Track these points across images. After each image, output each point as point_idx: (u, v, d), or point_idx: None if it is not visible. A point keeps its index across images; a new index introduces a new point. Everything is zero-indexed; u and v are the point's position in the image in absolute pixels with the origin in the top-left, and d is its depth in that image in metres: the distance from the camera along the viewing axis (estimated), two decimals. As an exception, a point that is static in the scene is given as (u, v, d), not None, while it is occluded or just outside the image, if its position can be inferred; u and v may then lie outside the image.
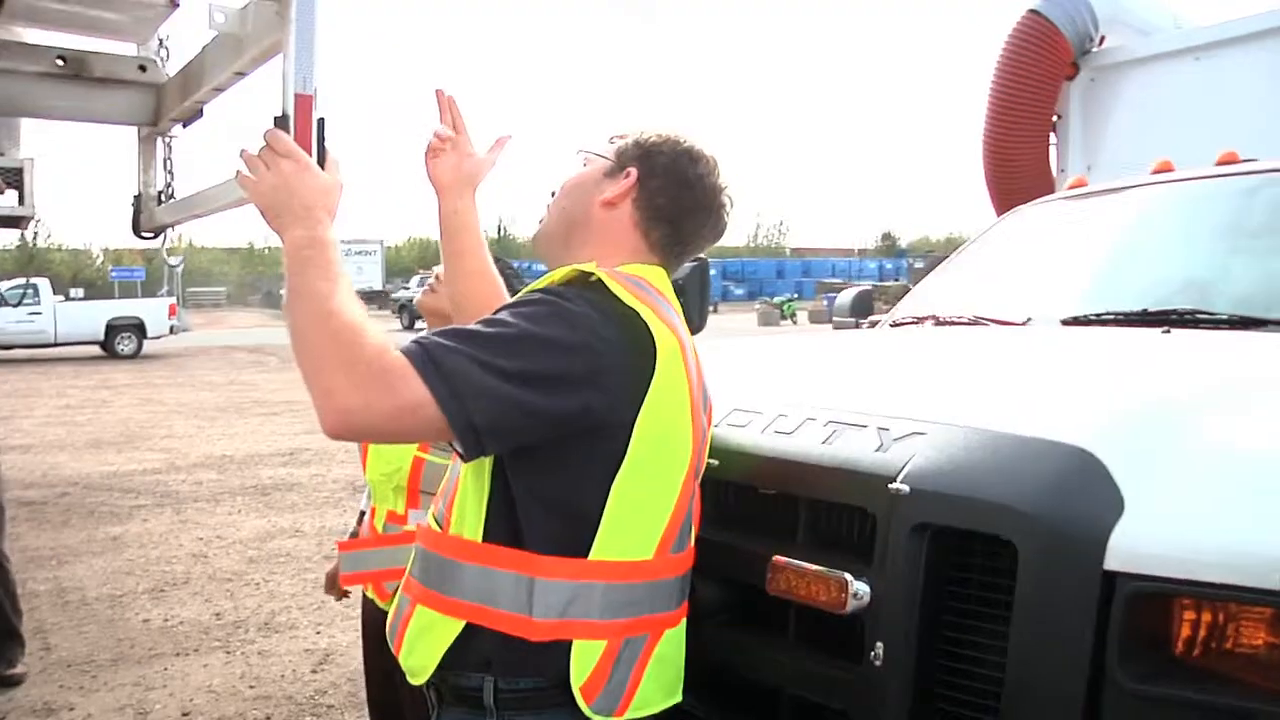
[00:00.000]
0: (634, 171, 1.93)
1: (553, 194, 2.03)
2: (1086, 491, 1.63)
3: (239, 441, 13.06)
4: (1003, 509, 1.67)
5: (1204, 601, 1.53)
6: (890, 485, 1.80)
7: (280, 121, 1.85)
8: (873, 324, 4.27)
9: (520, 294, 1.80)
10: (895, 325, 3.77)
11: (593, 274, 1.78)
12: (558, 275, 1.81)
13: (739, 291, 60.30)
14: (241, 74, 2.50)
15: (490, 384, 1.60)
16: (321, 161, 1.86)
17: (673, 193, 1.92)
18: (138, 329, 27.79)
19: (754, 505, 2.13)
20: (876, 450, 1.90)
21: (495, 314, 1.72)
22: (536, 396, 1.62)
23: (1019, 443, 1.77)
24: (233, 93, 2.80)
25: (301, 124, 1.86)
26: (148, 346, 28.26)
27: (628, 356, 1.71)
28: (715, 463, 2.12)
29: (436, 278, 3.09)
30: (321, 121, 1.89)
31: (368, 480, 3.14)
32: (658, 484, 1.77)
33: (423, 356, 1.59)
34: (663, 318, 1.78)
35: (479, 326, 1.67)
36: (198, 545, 7.88)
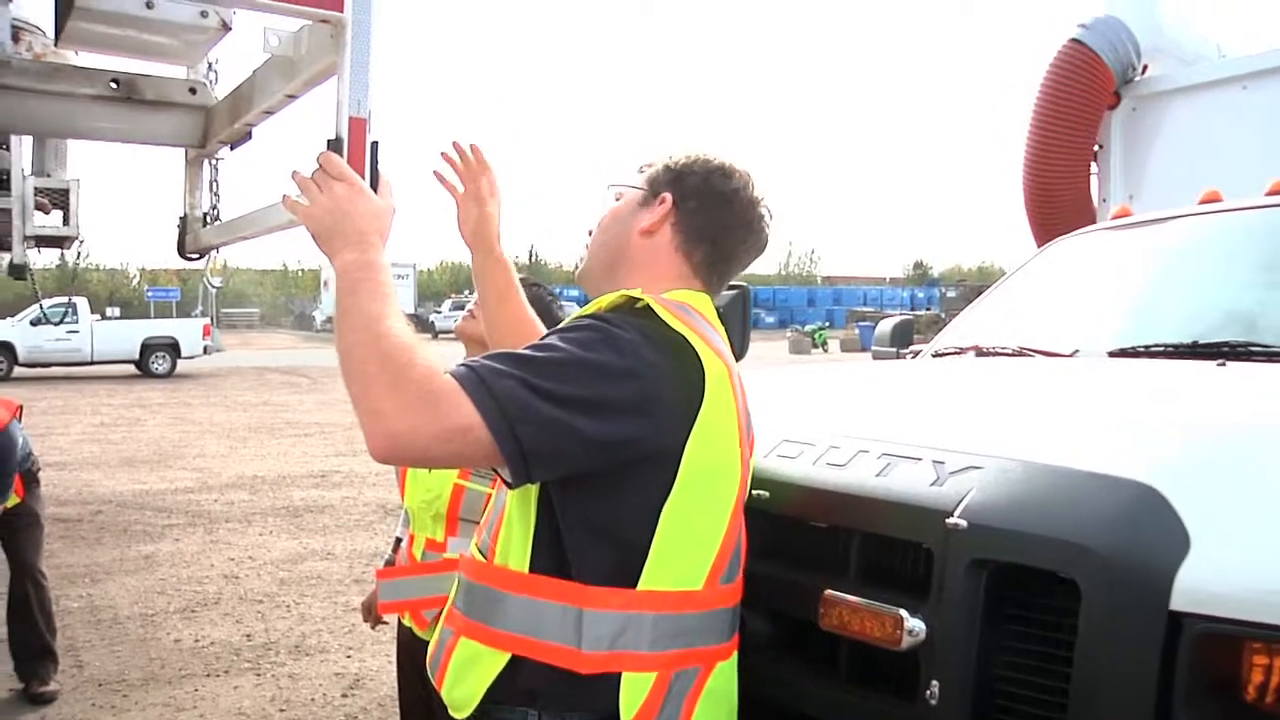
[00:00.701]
0: (669, 196, 1.94)
1: (590, 233, 2.05)
2: (1150, 528, 1.59)
3: (271, 462, 13.14)
4: (1064, 545, 1.63)
5: (1277, 645, 1.49)
6: (947, 520, 1.77)
7: (334, 144, 1.85)
8: (913, 353, 4.24)
9: (568, 320, 1.79)
10: (937, 355, 3.73)
11: (640, 300, 1.77)
12: (605, 301, 1.81)
13: (770, 319, 60.24)
14: (293, 96, 2.51)
15: (540, 408, 1.59)
16: (374, 184, 1.86)
17: (710, 211, 1.92)
18: (172, 348, 28.06)
19: (805, 538, 2.11)
20: (932, 484, 1.87)
21: (544, 339, 1.72)
22: (586, 422, 1.61)
23: (1079, 478, 1.74)
24: (281, 115, 2.81)
25: (355, 147, 1.86)
26: (182, 366, 28.52)
27: (676, 383, 1.70)
28: (765, 494, 2.10)
29: (477, 304, 3.09)
30: (375, 145, 1.89)
31: (406, 507, 3.13)
32: (707, 513, 1.76)
33: (473, 379, 1.59)
34: (710, 344, 1.77)
35: (529, 351, 1.67)
36: (229, 566, 7.92)
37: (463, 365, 1.63)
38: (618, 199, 2.03)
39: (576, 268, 2.09)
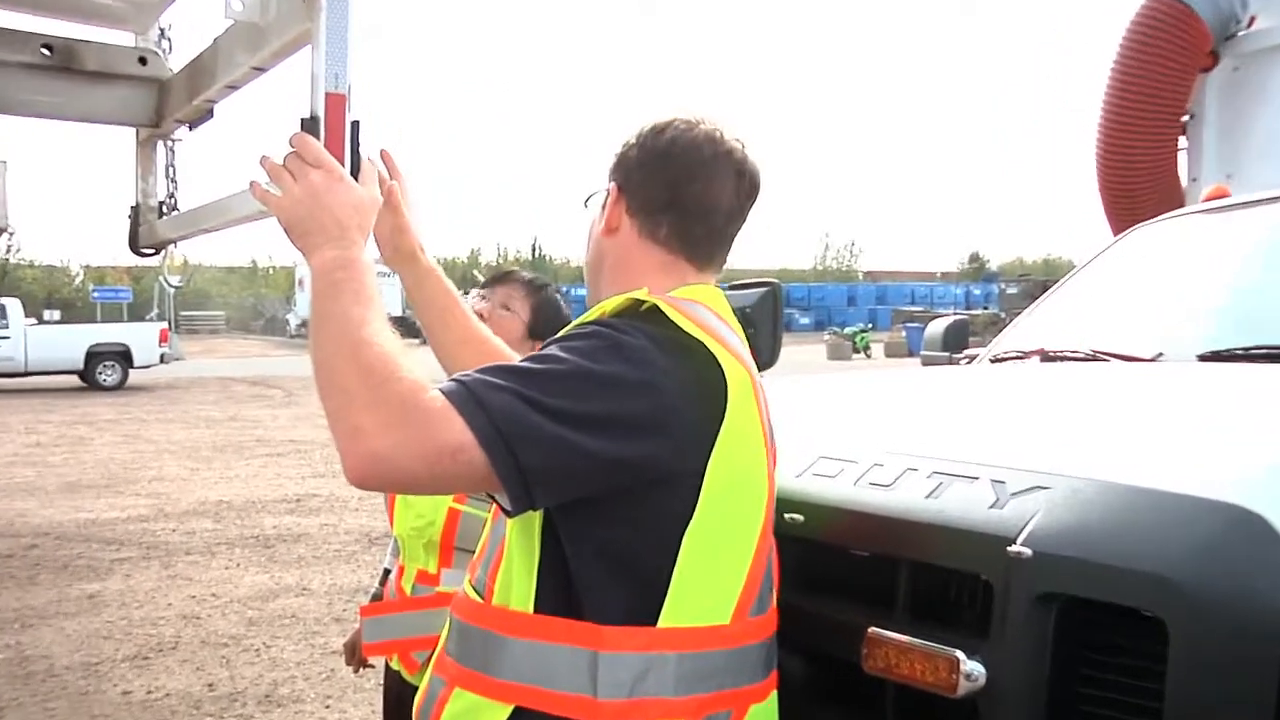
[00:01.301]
0: (613, 185, 1.95)
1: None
2: (1252, 558, 1.58)
3: (238, 486, 13.17)
4: (1147, 578, 1.62)
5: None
6: (1009, 548, 1.76)
7: (309, 124, 1.86)
8: (968, 358, 4.24)
9: (569, 327, 1.80)
10: (996, 361, 3.73)
11: (646, 301, 1.78)
12: (609, 305, 1.82)
13: (805, 320, 60.19)
14: (260, 69, 2.52)
15: (541, 425, 1.59)
16: (355, 171, 1.86)
17: (655, 174, 1.91)
18: (123, 357, 28.09)
19: (846, 568, 2.11)
20: (992, 506, 1.87)
21: (544, 349, 1.73)
22: (593, 440, 1.62)
23: (1164, 499, 1.73)
24: (247, 91, 2.82)
25: (333, 127, 1.87)
26: (134, 377, 28.60)
27: (695, 394, 1.71)
28: (799, 518, 2.11)
29: (479, 315, 3.10)
30: (356, 125, 1.89)
31: (395, 535, 3.14)
32: (733, 538, 1.76)
33: (463, 394, 1.60)
34: (728, 347, 1.78)
35: (527, 363, 1.68)
36: (189, 604, 7.93)
37: (452, 380, 1.63)
38: (596, 208, 2.04)
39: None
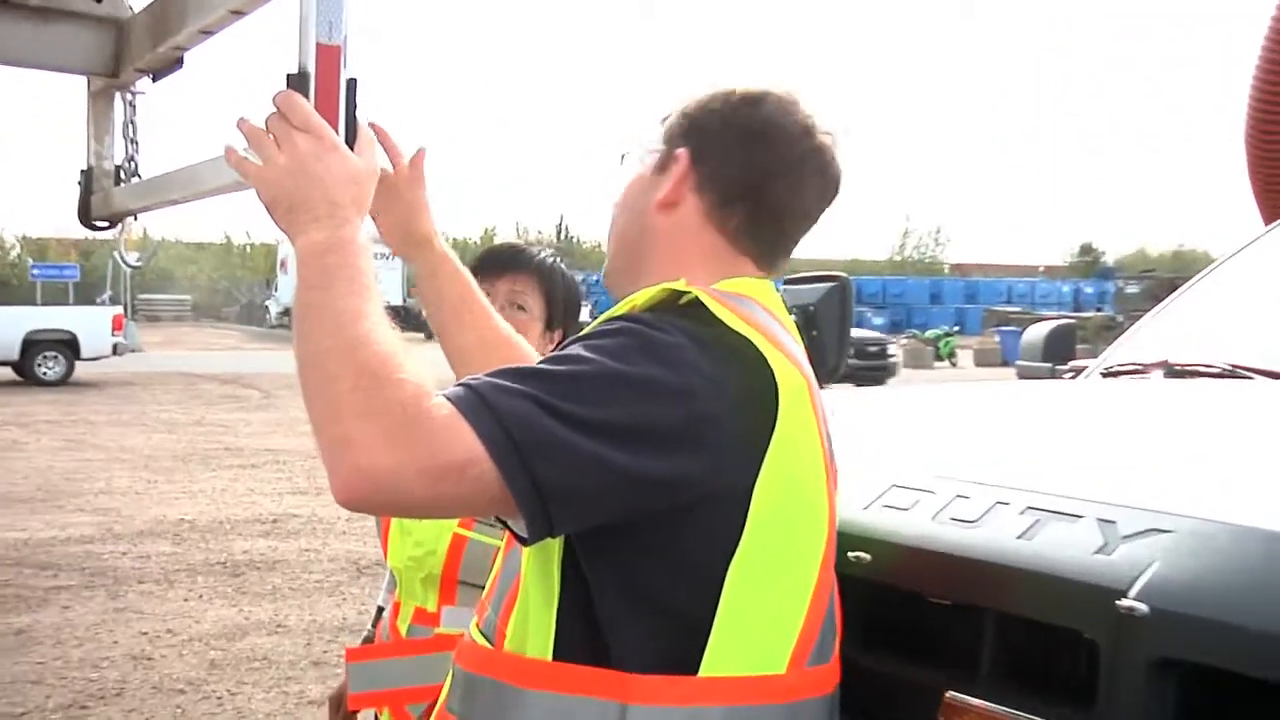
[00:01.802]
0: (683, 152, 1.93)
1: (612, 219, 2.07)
2: None
3: (204, 502, 13.27)
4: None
5: None
6: (1120, 602, 1.74)
7: (296, 81, 1.85)
8: (1075, 371, 4.22)
9: (596, 322, 1.80)
10: (1109, 374, 3.72)
11: (686, 293, 1.78)
12: (641, 298, 1.82)
13: (878, 321, 59.88)
14: (239, 13, 2.53)
15: (563, 437, 1.59)
16: (351, 137, 1.86)
17: (740, 154, 1.91)
18: (68, 346, 28.24)
19: (920, 618, 2.10)
20: (1098, 551, 1.85)
21: (564, 348, 1.73)
22: (624, 455, 1.61)
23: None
24: (223, 37, 2.83)
25: (325, 85, 1.86)
26: (81, 370, 28.77)
27: (741, 402, 1.70)
28: (866, 557, 2.10)
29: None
30: (353, 83, 1.89)
31: (390, 567, 3.15)
32: (787, 572, 1.76)
33: (472, 400, 1.59)
34: (782, 348, 1.77)
35: (546, 365, 1.68)
36: (139, 643, 7.97)
37: (460, 385, 1.63)
38: (631, 167, 2.04)
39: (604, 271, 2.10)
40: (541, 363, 1.69)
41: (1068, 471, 2.23)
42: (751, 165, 1.91)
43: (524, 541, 1.69)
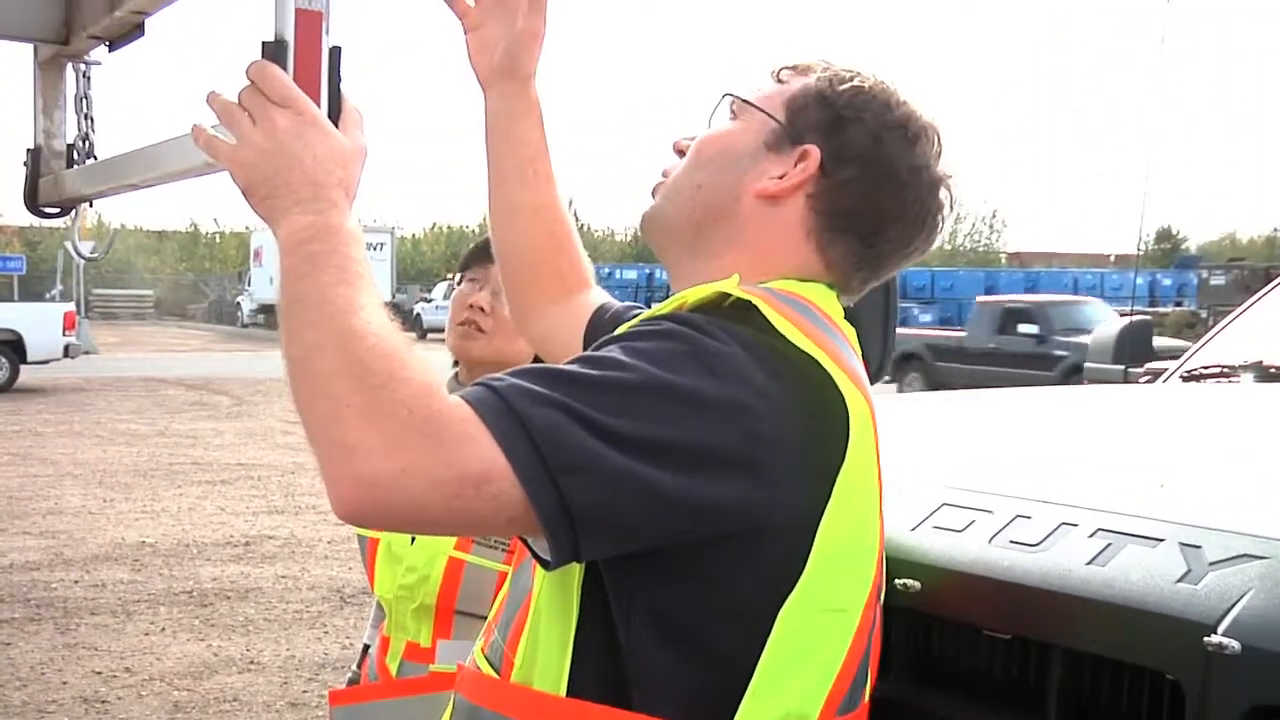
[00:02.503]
0: (814, 151, 1.89)
1: (681, 154, 2.02)
2: None
3: (167, 523, 13.26)
4: None
5: None
6: (1208, 639, 1.73)
7: (273, 50, 1.85)
8: (1151, 374, 4.20)
9: (635, 321, 1.78)
10: (1190, 378, 3.72)
11: (741, 298, 1.75)
12: (691, 296, 1.79)
13: (926, 317, 59.54)
14: (208, -27, 2.52)
15: (597, 452, 1.57)
16: (335, 113, 1.86)
17: (872, 193, 1.89)
18: (11, 347, 28.11)
19: (976, 654, 2.10)
20: (1182, 580, 1.84)
21: (600, 350, 1.70)
22: (665, 476, 1.59)
23: None
24: (191, 1, 2.83)
25: (305, 55, 1.85)
26: (27, 375, 28.66)
27: (804, 424, 1.68)
28: (915, 585, 2.09)
29: (479, 309, 3.10)
30: (336, 52, 1.88)
31: (377, 596, 3.15)
32: (836, 614, 1.74)
33: (495, 404, 1.57)
34: (845, 366, 1.74)
35: (577, 367, 1.65)
36: (92, 683, 7.95)
37: (479, 384, 1.61)
38: (733, 118, 2.00)
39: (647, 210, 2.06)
40: (572, 363, 1.66)
41: (1144, 489, 2.22)
42: (883, 207, 1.89)
43: (546, 565, 1.68)
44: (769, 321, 1.71)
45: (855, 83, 1.92)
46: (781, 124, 1.93)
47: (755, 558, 1.67)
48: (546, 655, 1.76)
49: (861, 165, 1.88)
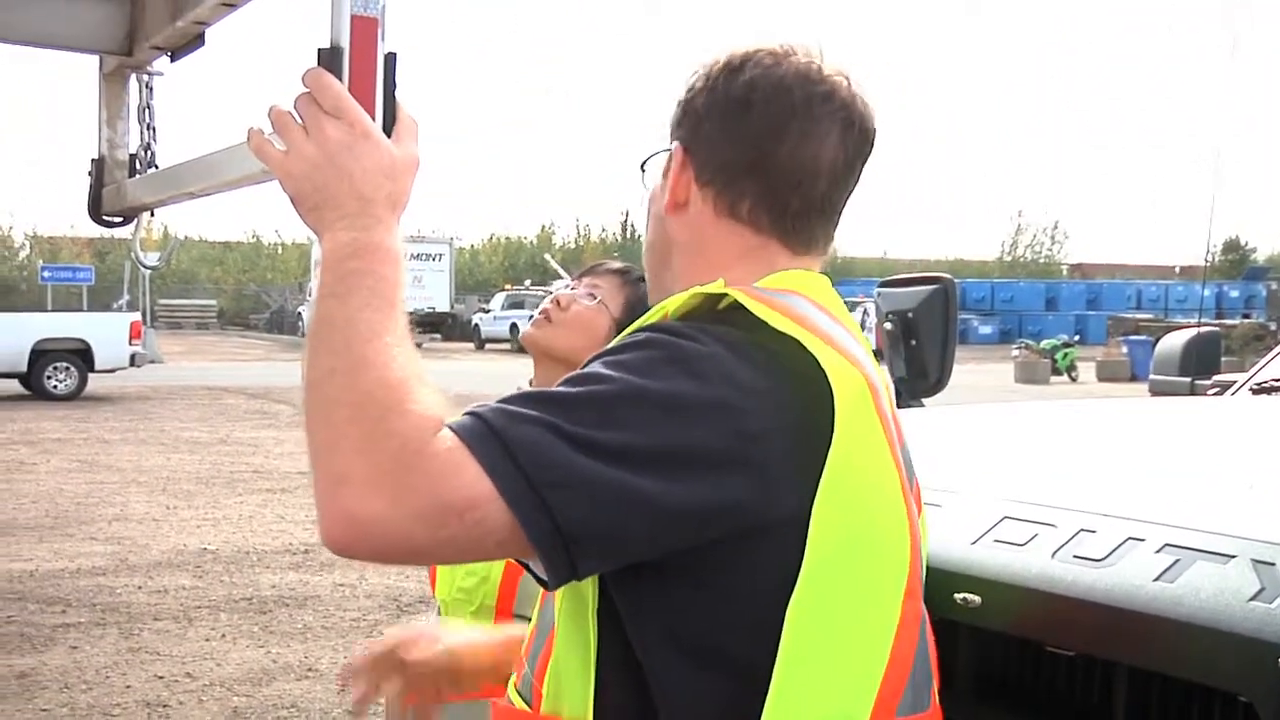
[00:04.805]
0: (676, 145, 1.92)
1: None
2: None
3: (228, 531, 13.37)
4: None
5: None
6: (1281, 659, 1.72)
7: (328, 57, 1.84)
8: (1219, 387, 4.17)
9: (619, 338, 1.78)
10: (1261, 390, 3.69)
11: (724, 295, 1.76)
12: (672, 304, 1.80)
13: (986, 330, 59.76)
14: (266, -19, 2.53)
15: (581, 466, 1.57)
16: (389, 122, 1.85)
17: (731, 129, 1.88)
18: (80, 357, 28.49)
19: (1039, 672, 2.09)
20: (1255, 598, 1.82)
21: (584, 367, 1.71)
22: (652, 483, 1.59)
23: None
24: (247, 10, 2.84)
25: (360, 62, 1.84)
26: (94, 383, 29.03)
27: (789, 413, 1.68)
28: (976, 600, 2.08)
29: (556, 301, 3.12)
30: (391, 59, 1.87)
31: (437, 598, 3.16)
32: (860, 609, 1.72)
33: (478, 430, 1.57)
34: (836, 344, 1.73)
35: (562, 386, 1.66)
36: (155, 688, 8.02)
37: (468, 413, 1.61)
38: (656, 174, 2.02)
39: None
40: (559, 384, 1.67)
41: (1213, 503, 2.20)
42: (746, 136, 1.87)
43: (545, 585, 1.67)
44: (749, 314, 1.72)
45: (696, 71, 1.94)
46: (670, 148, 1.95)
47: (758, 558, 1.67)
48: (570, 682, 1.76)
49: (708, 119, 1.89)
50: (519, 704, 1.88)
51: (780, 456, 1.65)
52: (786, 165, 1.87)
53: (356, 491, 1.53)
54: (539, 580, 1.67)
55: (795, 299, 1.78)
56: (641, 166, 2.03)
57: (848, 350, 1.74)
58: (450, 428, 1.57)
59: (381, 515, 1.53)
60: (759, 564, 1.67)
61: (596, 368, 1.67)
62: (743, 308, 1.72)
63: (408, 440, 1.54)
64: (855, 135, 1.89)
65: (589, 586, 1.70)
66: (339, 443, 1.56)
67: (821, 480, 1.66)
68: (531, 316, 3.27)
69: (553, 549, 1.56)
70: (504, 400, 1.62)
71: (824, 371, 1.67)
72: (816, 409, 1.67)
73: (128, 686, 7.99)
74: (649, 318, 1.79)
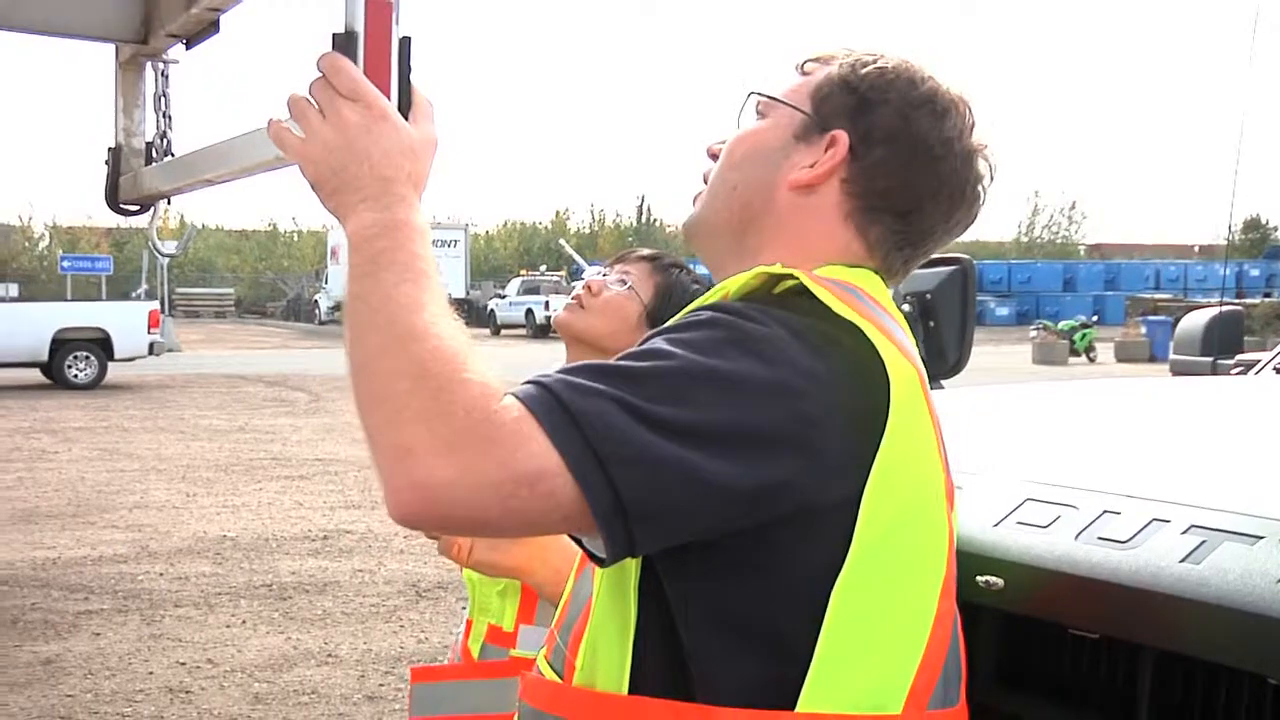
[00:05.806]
0: (842, 136, 1.89)
1: (714, 158, 2.02)
2: None
3: (247, 517, 13.43)
4: None
5: None
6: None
7: (343, 41, 1.83)
8: (1241, 367, 4.14)
9: (680, 314, 1.78)
10: (1283, 370, 3.63)
11: (786, 276, 1.76)
12: (734, 284, 1.80)
13: (1003, 311, 59.73)
14: (280, -33, 2.52)
15: (648, 442, 1.56)
16: (405, 104, 1.84)
17: (904, 170, 1.88)
18: (100, 345, 28.64)
19: (1063, 655, 2.07)
20: (1281, 579, 1.80)
21: (645, 342, 1.70)
22: (716, 462, 1.58)
23: None
24: (264, -4, 2.83)
25: (375, 47, 1.84)
26: (114, 372, 29.18)
27: (846, 398, 1.67)
28: (998, 582, 2.07)
29: (588, 287, 3.12)
30: (406, 42, 1.87)
31: (463, 577, 3.17)
32: (902, 596, 1.72)
33: (546, 401, 1.57)
34: (892, 338, 1.74)
35: (626, 360, 1.65)
36: (177, 674, 8.06)
37: (531, 383, 1.61)
38: (760, 115, 2.00)
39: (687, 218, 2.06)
40: (621, 358, 1.66)
41: (1238, 483, 2.18)
42: (914, 184, 1.89)
43: (600, 563, 1.68)
44: (812, 297, 1.72)
45: (878, 65, 1.92)
46: (808, 114, 1.93)
47: (809, 540, 1.67)
48: (607, 655, 1.76)
49: (891, 144, 1.88)
50: (550, 675, 1.89)
51: (836, 441, 1.65)
52: (925, 220, 1.91)
53: (424, 461, 1.53)
54: (592, 557, 1.68)
55: (855, 291, 1.78)
56: (739, 113, 2.01)
57: (900, 342, 1.75)
58: (515, 396, 1.57)
59: (452, 482, 1.52)
60: (809, 544, 1.67)
61: (659, 344, 1.67)
62: (804, 292, 1.73)
63: (472, 409, 1.54)
64: (971, 221, 1.97)
65: (633, 561, 1.69)
66: (400, 415, 1.55)
67: (873, 467, 1.66)
68: (546, 302, 3.28)
69: (614, 525, 1.55)
70: (564, 370, 1.62)
71: (882, 360, 1.68)
72: (872, 397, 1.67)
73: (150, 673, 8.05)
74: (709, 296, 1.80)
